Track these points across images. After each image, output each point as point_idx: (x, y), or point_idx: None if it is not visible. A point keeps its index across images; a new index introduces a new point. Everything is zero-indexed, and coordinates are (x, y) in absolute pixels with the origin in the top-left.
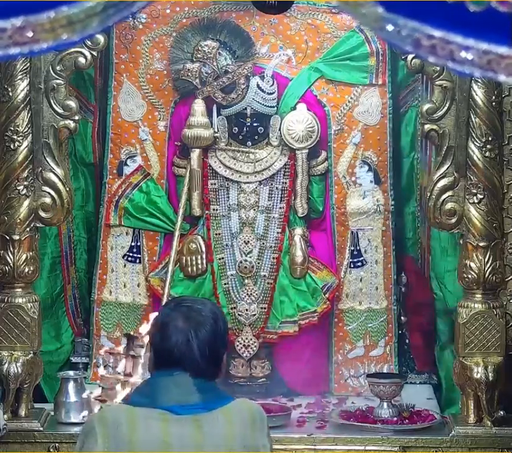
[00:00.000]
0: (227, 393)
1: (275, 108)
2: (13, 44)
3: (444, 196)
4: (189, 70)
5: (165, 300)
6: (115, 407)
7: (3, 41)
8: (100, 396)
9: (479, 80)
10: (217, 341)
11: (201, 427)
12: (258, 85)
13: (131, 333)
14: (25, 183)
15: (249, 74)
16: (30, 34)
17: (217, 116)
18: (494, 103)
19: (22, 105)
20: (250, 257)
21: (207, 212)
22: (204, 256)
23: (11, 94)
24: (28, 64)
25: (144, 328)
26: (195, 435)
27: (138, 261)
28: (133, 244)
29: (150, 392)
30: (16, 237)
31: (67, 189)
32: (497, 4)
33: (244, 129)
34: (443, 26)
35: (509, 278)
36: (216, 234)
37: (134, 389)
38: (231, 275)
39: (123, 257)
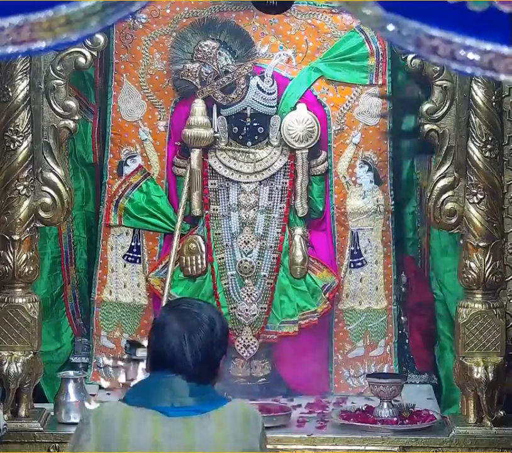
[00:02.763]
0: (221, 395)
1: (275, 108)
2: (11, 43)
3: (444, 196)
4: (189, 70)
5: (165, 300)
6: (111, 405)
7: (1, 40)
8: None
9: (479, 80)
10: (213, 346)
11: (192, 429)
12: (258, 85)
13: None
14: (25, 183)
15: (249, 74)
16: (28, 33)
17: (217, 116)
18: (494, 103)
19: (22, 105)
20: (250, 257)
21: (207, 212)
22: (204, 256)
23: (11, 94)
24: (28, 64)
25: None
26: (186, 437)
27: (138, 261)
28: (133, 244)
29: (144, 392)
30: (16, 237)
31: (67, 189)
32: (498, 3)
33: (244, 129)
34: (444, 26)
35: (509, 278)
36: (216, 234)
37: (130, 388)
38: (231, 275)
39: (123, 257)
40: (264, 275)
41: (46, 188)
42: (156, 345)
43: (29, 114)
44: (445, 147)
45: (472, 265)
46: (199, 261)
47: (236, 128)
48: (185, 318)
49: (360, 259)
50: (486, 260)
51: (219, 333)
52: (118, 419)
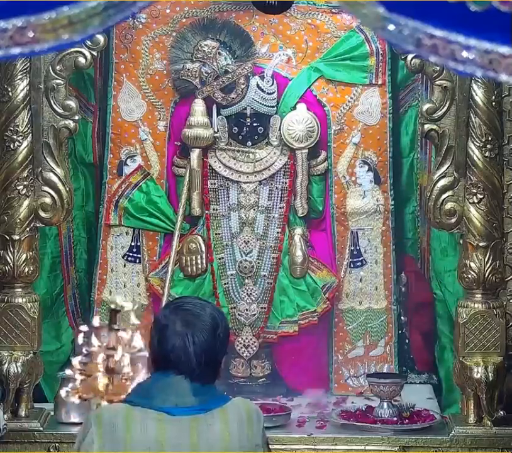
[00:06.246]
0: (224, 393)
1: (275, 108)
2: (14, 44)
3: (444, 196)
4: (188, 70)
5: (164, 300)
6: (113, 406)
7: (4, 41)
8: (76, 390)
9: (479, 80)
10: (216, 347)
11: (196, 428)
12: (258, 85)
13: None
14: (25, 183)
15: (249, 74)
16: (31, 34)
17: (217, 116)
18: (494, 103)
19: (22, 105)
20: (250, 257)
21: (207, 212)
22: (204, 256)
23: (10, 94)
24: (28, 64)
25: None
26: (190, 436)
27: (138, 261)
28: (133, 244)
29: (146, 393)
30: (16, 237)
31: (67, 189)
32: (498, 3)
33: (244, 129)
34: (444, 26)
35: (509, 278)
36: (216, 234)
37: (132, 389)
38: (231, 275)
39: (123, 257)
40: (264, 275)
41: (46, 188)
42: (160, 346)
43: (29, 114)
44: (445, 147)
45: (472, 265)
46: (199, 261)
47: (236, 128)
48: (189, 318)
49: (360, 259)
50: (486, 260)
51: (222, 333)
52: (121, 420)
